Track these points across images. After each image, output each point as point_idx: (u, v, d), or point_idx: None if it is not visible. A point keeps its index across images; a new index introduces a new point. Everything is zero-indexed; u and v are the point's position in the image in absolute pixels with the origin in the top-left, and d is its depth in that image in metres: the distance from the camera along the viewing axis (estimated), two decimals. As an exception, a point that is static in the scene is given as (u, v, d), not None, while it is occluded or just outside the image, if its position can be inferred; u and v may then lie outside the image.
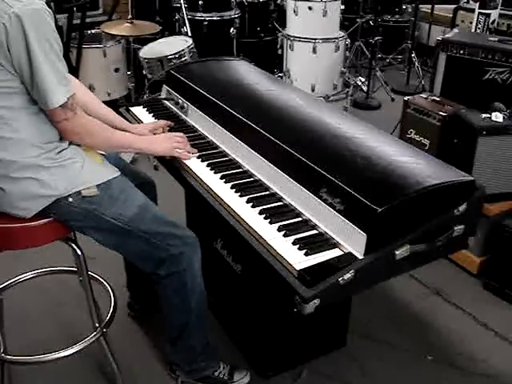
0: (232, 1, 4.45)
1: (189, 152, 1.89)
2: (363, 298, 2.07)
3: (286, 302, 1.39)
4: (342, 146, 1.67)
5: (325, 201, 1.49)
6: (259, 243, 1.48)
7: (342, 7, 4.45)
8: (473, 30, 3.80)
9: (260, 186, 1.73)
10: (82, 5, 3.86)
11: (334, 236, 1.46)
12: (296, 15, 4.34)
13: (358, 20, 5.31)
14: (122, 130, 1.90)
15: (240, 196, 1.67)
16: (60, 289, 2.47)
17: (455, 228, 1.51)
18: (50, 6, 1.54)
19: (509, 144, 2.47)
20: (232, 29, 4.43)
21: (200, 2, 4.31)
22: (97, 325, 1.91)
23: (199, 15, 4.35)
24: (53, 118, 1.58)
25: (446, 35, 2.99)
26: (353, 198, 1.42)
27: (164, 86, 2.39)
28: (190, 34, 4.03)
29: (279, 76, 4.65)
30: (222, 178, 1.77)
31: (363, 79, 5.07)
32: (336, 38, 4.37)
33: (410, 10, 5.57)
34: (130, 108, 2.33)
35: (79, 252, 1.78)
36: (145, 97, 3.84)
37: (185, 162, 1.87)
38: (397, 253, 1.41)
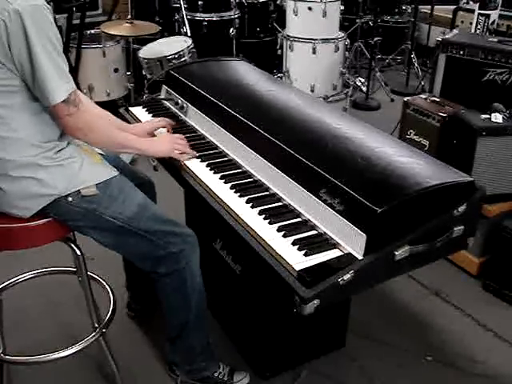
0: (231, 1, 4.45)
1: (188, 154, 1.89)
2: (363, 298, 2.06)
3: (285, 303, 1.39)
4: (342, 146, 1.67)
5: (324, 201, 1.49)
6: (259, 243, 1.48)
7: (342, 8, 4.45)
8: (472, 31, 3.80)
9: (260, 186, 1.73)
10: (81, 5, 3.86)
11: (333, 236, 1.46)
12: (296, 15, 4.34)
13: (357, 21, 5.31)
14: None
15: (240, 196, 1.67)
16: (59, 289, 2.46)
17: (455, 229, 1.51)
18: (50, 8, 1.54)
19: (508, 145, 2.47)
20: (231, 29, 4.42)
21: (199, 3, 4.31)
22: (96, 325, 1.91)
23: (199, 15, 4.35)
24: (55, 114, 1.57)
25: (446, 36, 2.99)
26: (352, 199, 1.42)
27: (163, 86, 2.39)
28: (189, 34, 4.03)
29: (279, 76, 4.64)
30: (221, 178, 1.77)
31: (363, 80, 5.07)
32: (336, 39, 4.37)
33: (409, 10, 5.57)
34: (130, 108, 2.33)
35: (78, 252, 1.78)
36: (144, 97, 3.84)
37: (184, 162, 1.87)
38: (396, 253, 1.40)
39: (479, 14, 3.72)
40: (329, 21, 4.32)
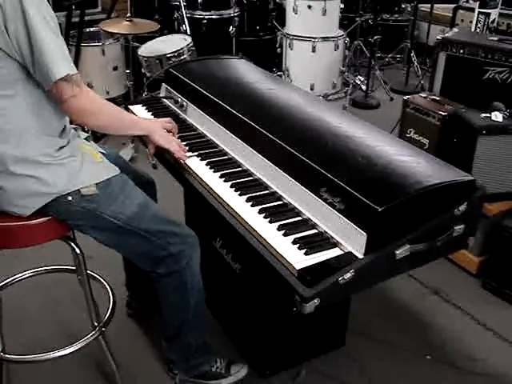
0: (231, -1, 4.45)
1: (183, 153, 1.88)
2: (362, 297, 2.06)
3: (285, 301, 1.38)
4: (343, 144, 1.66)
5: (325, 200, 1.49)
6: (259, 242, 1.48)
7: (342, 6, 4.45)
8: (473, 30, 3.80)
9: (260, 184, 1.72)
10: (80, 3, 3.85)
11: (334, 235, 1.46)
12: (295, 14, 4.33)
13: (357, 19, 5.31)
14: None
15: (240, 195, 1.67)
16: (59, 287, 2.46)
17: (455, 228, 1.51)
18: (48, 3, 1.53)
19: (508, 144, 2.47)
20: (231, 27, 4.42)
21: (199, 1, 4.30)
22: (95, 324, 1.91)
23: (198, 13, 4.34)
24: (58, 96, 1.52)
25: (446, 34, 2.98)
26: (353, 198, 1.42)
27: (163, 84, 2.39)
28: (189, 32, 4.02)
29: (278, 75, 4.64)
30: (221, 176, 1.76)
31: (362, 78, 5.07)
32: (335, 37, 4.37)
33: (409, 9, 5.55)
34: (129, 106, 2.33)
35: (78, 251, 1.78)
36: (143, 95, 3.84)
37: (184, 160, 1.86)
38: (397, 252, 1.40)
39: (479, 12, 3.71)
40: (328, 19, 4.32)
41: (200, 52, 3.79)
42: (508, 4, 4.39)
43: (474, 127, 2.45)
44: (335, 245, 1.44)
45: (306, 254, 1.40)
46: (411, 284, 2.61)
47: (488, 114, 2.52)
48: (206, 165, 1.84)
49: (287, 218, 1.55)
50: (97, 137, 3.67)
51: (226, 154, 1.91)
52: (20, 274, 2.09)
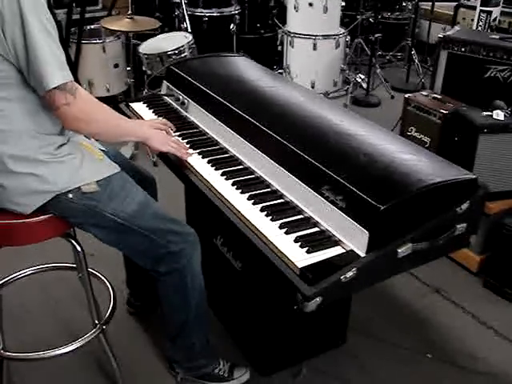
0: (232, -3, 4.44)
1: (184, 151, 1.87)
2: (363, 295, 2.05)
3: (286, 300, 1.38)
4: (344, 142, 1.66)
5: (327, 198, 1.48)
6: (260, 240, 1.47)
7: (343, 4, 4.45)
8: (474, 28, 3.79)
9: (261, 183, 1.72)
10: (81, 0, 3.85)
11: (336, 234, 1.45)
12: (296, 11, 4.33)
13: (358, 17, 5.30)
14: None
15: (241, 193, 1.66)
16: (59, 285, 2.46)
17: (457, 226, 1.50)
18: (49, 1, 1.52)
19: (510, 142, 2.46)
20: (232, 25, 4.41)
21: (200, -2, 4.31)
22: (96, 321, 1.91)
23: (199, 11, 4.34)
24: (51, 103, 1.51)
25: (448, 33, 2.98)
26: (355, 196, 1.41)
27: (164, 81, 2.38)
28: (189, 29, 4.02)
29: (279, 72, 4.64)
30: (222, 174, 1.76)
31: (363, 76, 5.05)
32: (336, 35, 4.37)
33: (410, 7, 5.56)
34: (130, 104, 2.32)
35: (79, 248, 1.78)
36: (144, 93, 3.83)
37: (185, 158, 1.86)
38: (399, 251, 1.40)
39: (481, 10, 3.71)
40: (329, 17, 4.33)
41: (201, 49, 3.78)
42: (510, 2, 4.38)
43: (476, 125, 2.45)
44: (337, 243, 1.44)
45: (307, 252, 1.40)
46: (412, 282, 2.60)
47: (489, 113, 2.51)
48: (207, 162, 1.83)
49: (289, 216, 1.54)
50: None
51: (227, 151, 1.90)
52: (21, 272, 2.08)
